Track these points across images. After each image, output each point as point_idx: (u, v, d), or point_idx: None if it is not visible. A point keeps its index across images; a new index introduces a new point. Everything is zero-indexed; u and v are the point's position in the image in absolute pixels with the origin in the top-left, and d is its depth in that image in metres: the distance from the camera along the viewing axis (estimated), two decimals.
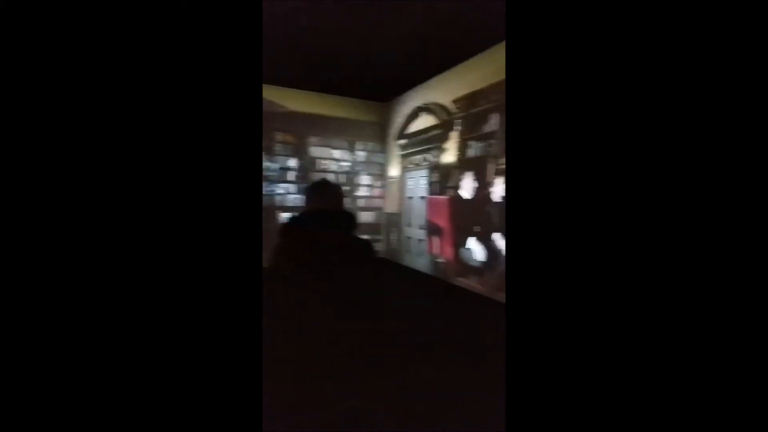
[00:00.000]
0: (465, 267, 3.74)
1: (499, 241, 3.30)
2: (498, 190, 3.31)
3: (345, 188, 5.10)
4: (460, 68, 3.81)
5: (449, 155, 3.98)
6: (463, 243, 3.73)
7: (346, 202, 5.08)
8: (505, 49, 3.23)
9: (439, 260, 4.16)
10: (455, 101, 3.85)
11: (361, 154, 5.25)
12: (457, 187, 3.83)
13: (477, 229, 3.55)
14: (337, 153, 5.09)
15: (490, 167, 3.41)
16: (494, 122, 3.39)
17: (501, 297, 3.27)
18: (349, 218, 1.21)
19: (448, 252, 3.99)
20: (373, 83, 4.50)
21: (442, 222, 4.08)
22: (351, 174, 5.20)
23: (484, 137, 3.50)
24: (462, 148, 3.79)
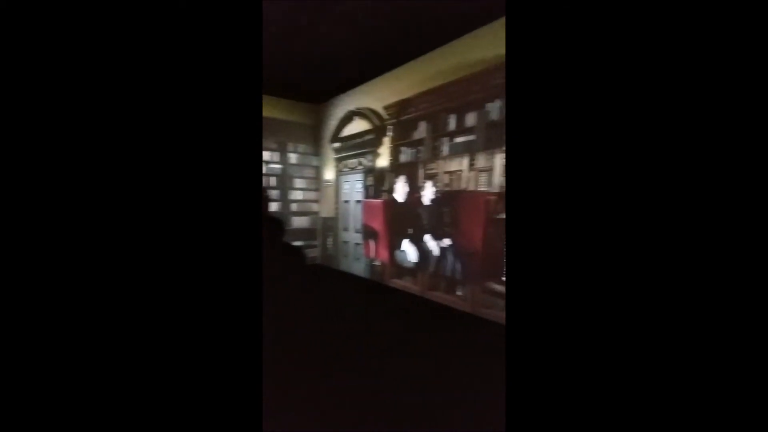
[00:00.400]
0: (400, 269, 3.85)
1: (430, 242, 3.45)
2: (428, 193, 3.46)
3: (276, 192, 4.98)
4: (392, 75, 3.91)
5: (383, 159, 4.07)
6: (398, 245, 3.84)
7: (279, 207, 4.94)
8: (433, 58, 3.39)
9: (376, 263, 4.23)
10: (386, 108, 3.95)
11: (292, 157, 5.15)
12: (391, 191, 3.93)
13: (410, 231, 3.68)
14: (266, 155, 4.94)
15: (421, 172, 3.56)
16: (422, 129, 3.54)
17: (433, 296, 3.44)
18: (277, 223, 1.18)
19: (384, 255, 4.07)
20: (305, 85, 4.44)
21: (378, 225, 4.15)
22: (283, 177, 5.08)
23: (414, 144, 3.64)
24: (394, 153, 3.89)
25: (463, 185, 3.15)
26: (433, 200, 3.41)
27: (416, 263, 3.63)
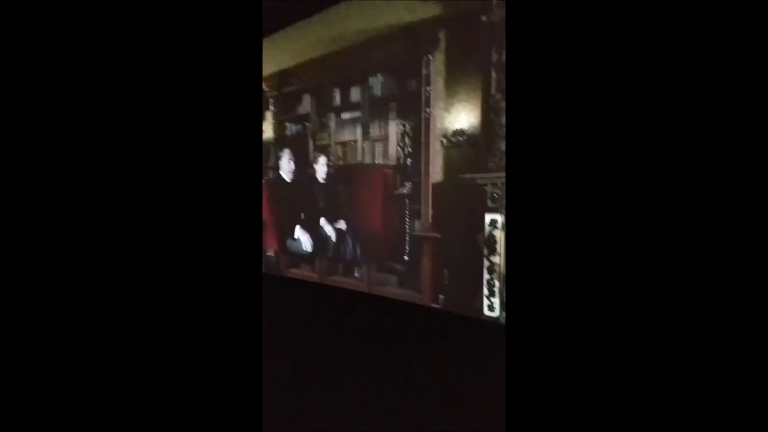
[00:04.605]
0: (295, 257, 3.52)
1: (327, 226, 3.19)
2: (320, 169, 3.17)
3: None
4: (267, 42, 3.47)
5: (266, 133, 3.64)
6: (291, 233, 3.48)
7: None
8: (316, 24, 3.08)
9: (269, 254, 3.82)
10: (266, 79, 3.51)
11: None
12: (276, 168, 3.54)
13: (303, 216, 3.36)
14: None
15: (310, 143, 3.25)
16: (307, 103, 3.24)
17: (330, 281, 3.22)
18: None
19: (273, 244, 3.70)
20: None
21: (264, 214, 3.73)
22: None
23: (299, 119, 3.32)
24: (279, 128, 3.52)
25: (358, 158, 2.96)
26: (326, 177, 3.14)
27: (312, 252, 3.34)
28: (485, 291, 2.32)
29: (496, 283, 2.31)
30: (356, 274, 3.09)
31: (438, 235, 2.51)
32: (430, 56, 2.82)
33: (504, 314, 2.29)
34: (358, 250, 3.03)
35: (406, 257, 2.73)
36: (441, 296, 2.49)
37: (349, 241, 3.06)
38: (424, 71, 2.74)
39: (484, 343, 2.15)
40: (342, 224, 3.07)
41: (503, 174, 2.41)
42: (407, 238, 2.71)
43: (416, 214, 2.64)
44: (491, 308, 2.32)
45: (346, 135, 3.00)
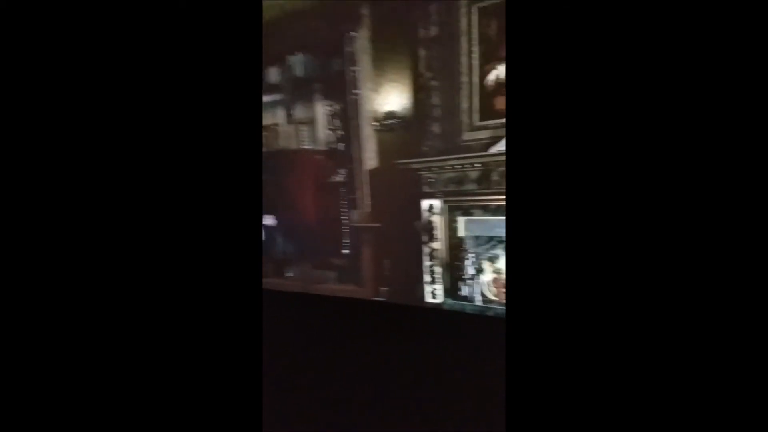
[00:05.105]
0: None
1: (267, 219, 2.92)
2: None
3: None
4: None
5: None
6: None
7: None
8: None
9: None
10: None
11: None
12: None
13: None
14: None
15: None
16: None
17: (264, 284, 2.98)
18: None
19: None
20: None
21: None
22: None
23: None
24: None
25: (282, 143, 2.73)
26: None
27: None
28: (427, 278, 2.28)
29: (437, 270, 2.28)
30: (290, 274, 2.88)
31: (378, 225, 2.40)
32: (353, 33, 2.65)
33: (448, 300, 2.27)
34: (289, 248, 2.82)
35: (345, 251, 2.58)
36: (383, 288, 2.40)
37: (279, 238, 2.83)
38: (347, 49, 2.56)
39: (433, 330, 2.13)
40: (270, 220, 2.83)
41: (438, 158, 2.36)
42: (345, 229, 2.56)
43: (353, 204, 2.49)
44: (434, 295, 2.29)
45: (267, 118, 2.75)
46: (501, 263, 2.36)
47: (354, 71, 2.62)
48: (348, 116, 2.52)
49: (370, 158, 2.53)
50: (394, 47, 2.53)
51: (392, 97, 2.61)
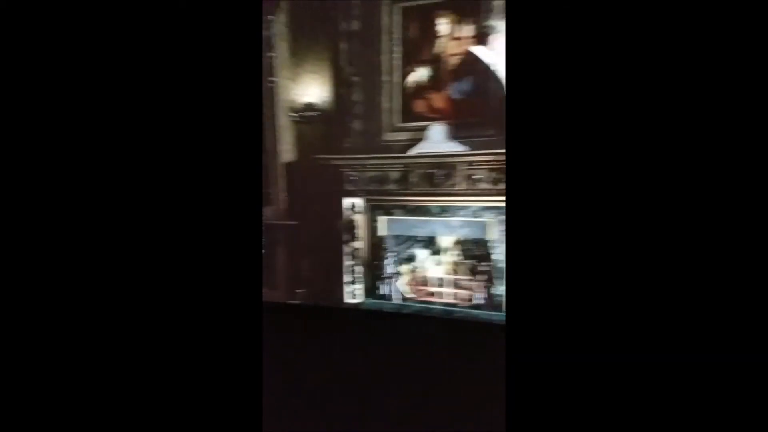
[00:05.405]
0: None
1: None
2: None
3: None
4: None
5: None
6: None
7: None
8: None
9: None
10: None
11: None
12: None
13: None
14: None
15: None
16: None
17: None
18: None
19: None
20: None
21: None
22: None
23: None
24: None
25: None
26: None
27: None
28: (347, 278, 2.22)
29: (358, 269, 2.23)
30: None
31: (295, 222, 2.25)
32: (270, 16, 2.46)
33: (367, 300, 2.24)
34: None
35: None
36: (299, 290, 2.26)
37: None
38: (264, 33, 2.36)
39: (358, 331, 2.06)
40: None
41: (362, 156, 2.31)
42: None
43: (266, 200, 2.29)
44: (353, 295, 2.24)
45: None
46: (417, 262, 2.42)
47: (270, 57, 2.43)
48: (262, 105, 2.32)
49: (286, 151, 2.36)
50: (314, 36, 2.41)
51: (311, 89, 2.48)
